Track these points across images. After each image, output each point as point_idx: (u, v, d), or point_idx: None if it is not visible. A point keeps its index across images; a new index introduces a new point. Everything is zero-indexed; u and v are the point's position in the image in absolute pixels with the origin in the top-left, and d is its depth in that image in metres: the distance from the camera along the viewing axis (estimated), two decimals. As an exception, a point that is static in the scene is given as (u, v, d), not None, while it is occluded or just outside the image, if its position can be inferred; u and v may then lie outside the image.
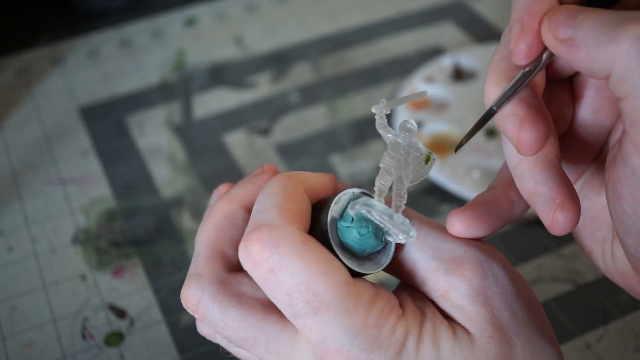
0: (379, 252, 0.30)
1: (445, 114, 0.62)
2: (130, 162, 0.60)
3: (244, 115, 0.65)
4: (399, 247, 0.31)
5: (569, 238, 0.52)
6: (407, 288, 0.31)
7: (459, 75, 0.67)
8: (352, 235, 0.29)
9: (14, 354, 0.46)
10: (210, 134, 0.63)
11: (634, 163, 0.26)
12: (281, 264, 0.27)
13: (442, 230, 0.31)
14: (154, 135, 0.63)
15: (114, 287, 0.50)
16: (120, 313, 0.48)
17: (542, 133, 0.28)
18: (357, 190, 0.31)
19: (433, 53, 0.71)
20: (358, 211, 0.29)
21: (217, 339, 0.34)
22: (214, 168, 0.60)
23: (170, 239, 0.54)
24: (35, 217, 0.55)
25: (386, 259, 0.30)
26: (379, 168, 0.30)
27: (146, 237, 0.54)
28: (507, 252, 0.52)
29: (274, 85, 0.68)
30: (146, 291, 0.50)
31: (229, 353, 0.35)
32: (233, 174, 0.59)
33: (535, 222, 0.53)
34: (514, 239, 0.52)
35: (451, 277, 0.29)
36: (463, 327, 0.29)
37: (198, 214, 0.55)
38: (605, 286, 0.49)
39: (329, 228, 0.29)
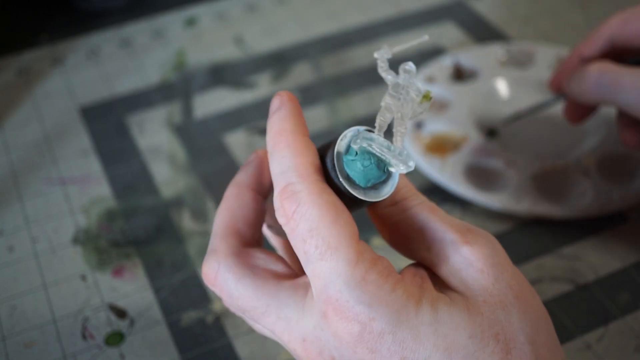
0: (383, 182, 0.33)
1: (445, 114, 0.62)
2: (130, 162, 0.60)
3: (244, 115, 0.65)
4: (409, 209, 0.33)
5: (569, 238, 0.52)
6: (408, 267, 0.33)
7: (459, 75, 0.67)
8: (357, 167, 0.32)
9: (14, 354, 0.46)
10: (211, 134, 0.63)
11: None
12: (301, 214, 0.30)
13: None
14: (154, 135, 0.63)
15: (114, 287, 0.50)
16: (120, 313, 0.48)
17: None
18: (361, 128, 0.33)
19: (433, 53, 0.71)
20: (360, 144, 0.32)
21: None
22: (214, 168, 0.60)
23: (170, 239, 0.54)
24: (35, 217, 0.55)
25: (390, 189, 0.32)
26: (381, 106, 0.32)
27: (146, 237, 0.54)
28: (507, 252, 0.51)
29: (274, 85, 0.68)
30: (146, 291, 0.50)
31: None
32: (233, 174, 0.58)
33: (535, 222, 0.53)
34: (514, 239, 0.52)
35: (459, 244, 0.31)
36: (460, 294, 0.31)
37: (198, 214, 0.55)
38: (605, 286, 0.49)
39: (335, 162, 0.32)
